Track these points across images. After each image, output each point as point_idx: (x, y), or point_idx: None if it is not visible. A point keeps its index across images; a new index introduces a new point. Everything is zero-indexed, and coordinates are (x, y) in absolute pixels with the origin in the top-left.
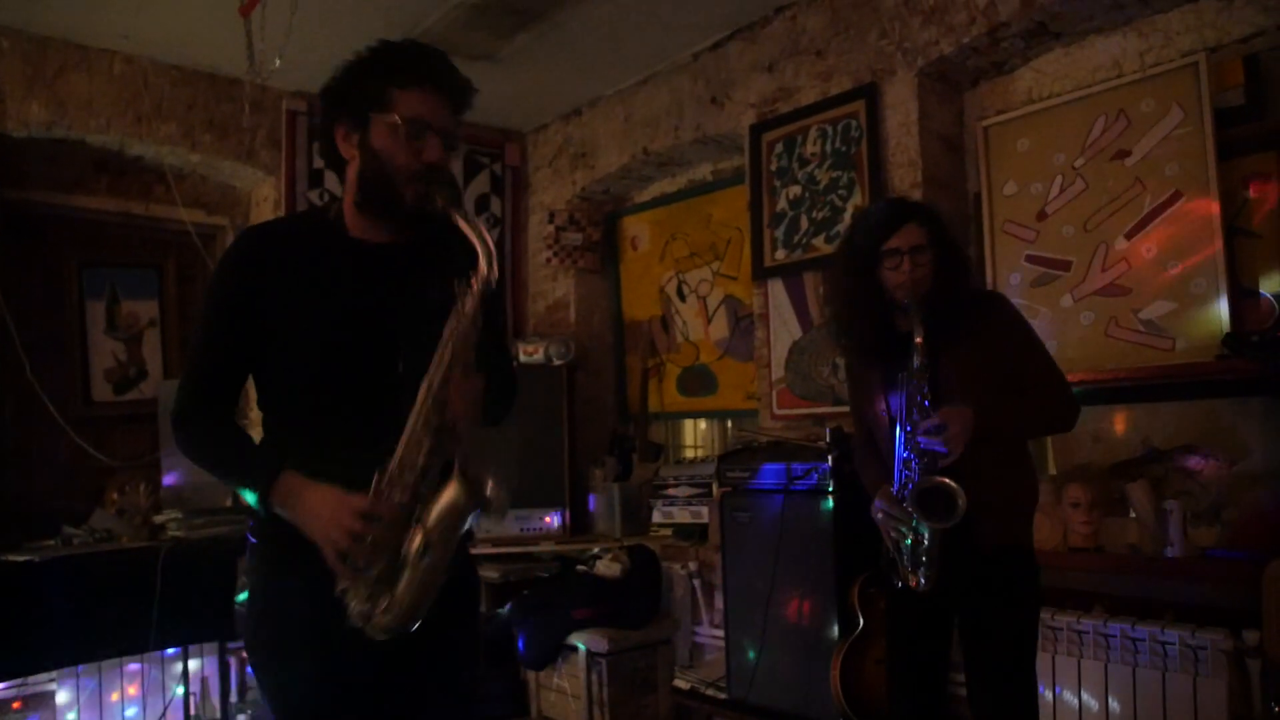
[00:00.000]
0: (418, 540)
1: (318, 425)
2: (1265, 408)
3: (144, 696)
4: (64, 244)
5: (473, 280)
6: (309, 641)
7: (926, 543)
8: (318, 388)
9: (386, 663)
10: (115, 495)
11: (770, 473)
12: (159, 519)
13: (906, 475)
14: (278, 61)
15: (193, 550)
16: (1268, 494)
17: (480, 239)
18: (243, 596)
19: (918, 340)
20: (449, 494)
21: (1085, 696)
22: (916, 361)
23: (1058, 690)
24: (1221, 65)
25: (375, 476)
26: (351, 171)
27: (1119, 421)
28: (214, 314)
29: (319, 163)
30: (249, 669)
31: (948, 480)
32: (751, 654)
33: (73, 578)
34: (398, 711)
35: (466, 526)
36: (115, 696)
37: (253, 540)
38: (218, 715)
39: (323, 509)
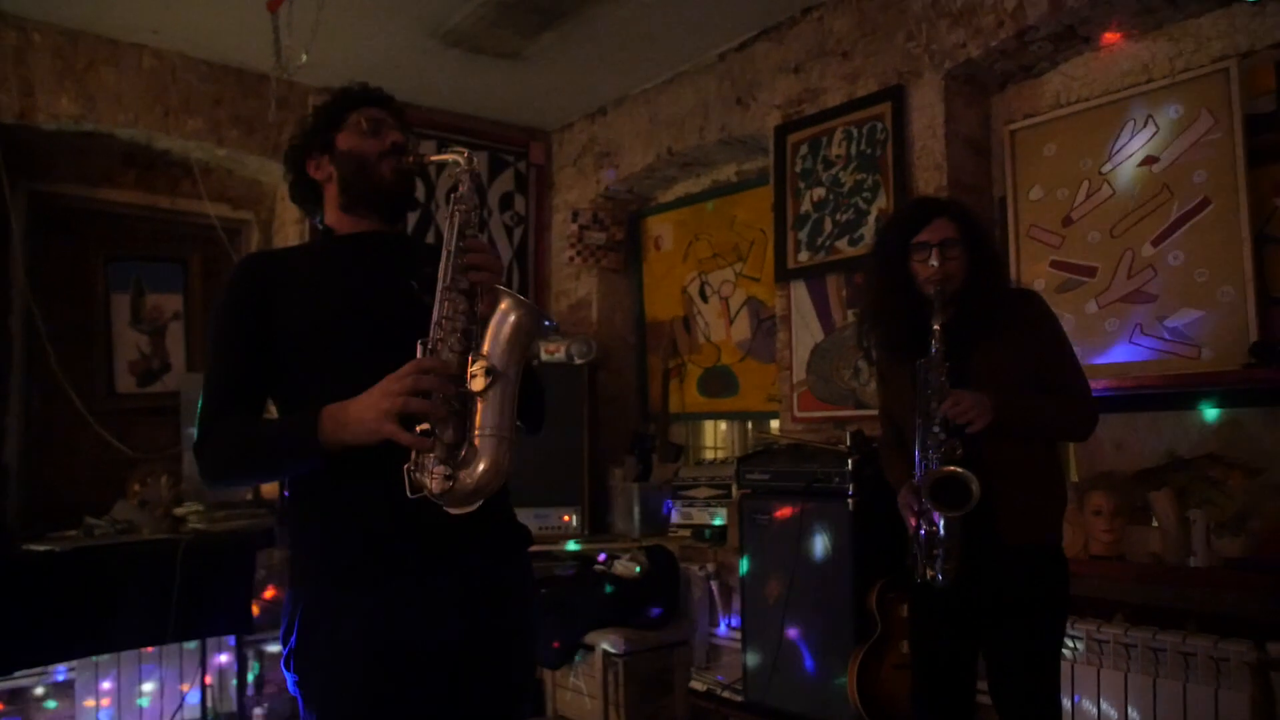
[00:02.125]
0: (478, 368)
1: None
2: None
3: (162, 688)
4: (91, 237)
5: (458, 171)
6: (358, 658)
7: (942, 533)
8: (340, 377)
9: (441, 673)
10: (137, 487)
11: (790, 475)
12: (180, 511)
13: (925, 466)
14: (304, 57)
15: (212, 543)
16: None
17: (453, 150)
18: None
19: (936, 328)
20: (498, 312)
21: (1105, 706)
22: (935, 348)
23: (1076, 699)
24: (1253, 71)
25: (418, 346)
26: (330, 188)
27: (1143, 429)
28: (224, 337)
29: None
30: (287, 675)
31: (959, 469)
32: (769, 657)
33: (93, 569)
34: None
35: (526, 338)
36: (134, 688)
37: (297, 553)
38: (234, 708)
39: (371, 394)
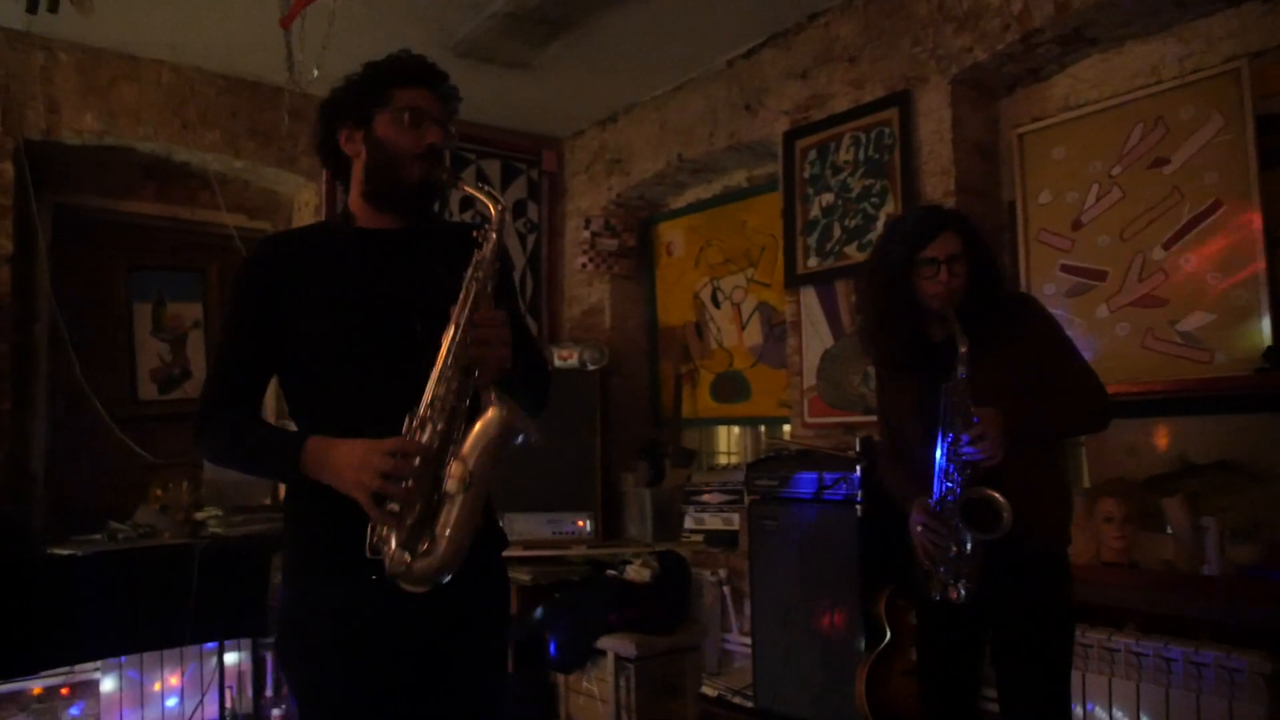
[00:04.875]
0: (455, 472)
1: (346, 411)
2: None
3: (183, 689)
4: (113, 248)
5: (488, 228)
6: (337, 645)
7: (969, 554)
8: (340, 371)
9: (415, 667)
10: (159, 492)
11: (799, 481)
12: (200, 515)
13: (947, 486)
14: (315, 72)
15: (229, 547)
16: None
17: (488, 195)
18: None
19: (962, 350)
20: (485, 419)
21: (1118, 715)
22: (962, 372)
23: (1089, 707)
24: (1265, 71)
25: (406, 420)
26: (357, 167)
27: (1154, 435)
28: (234, 319)
29: None
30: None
31: (994, 492)
32: (778, 663)
33: (113, 572)
34: (424, 716)
35: (505, 450)
36: (156, 688)
37: (287, 543)
38: (252, 710)
39: (352, 456)
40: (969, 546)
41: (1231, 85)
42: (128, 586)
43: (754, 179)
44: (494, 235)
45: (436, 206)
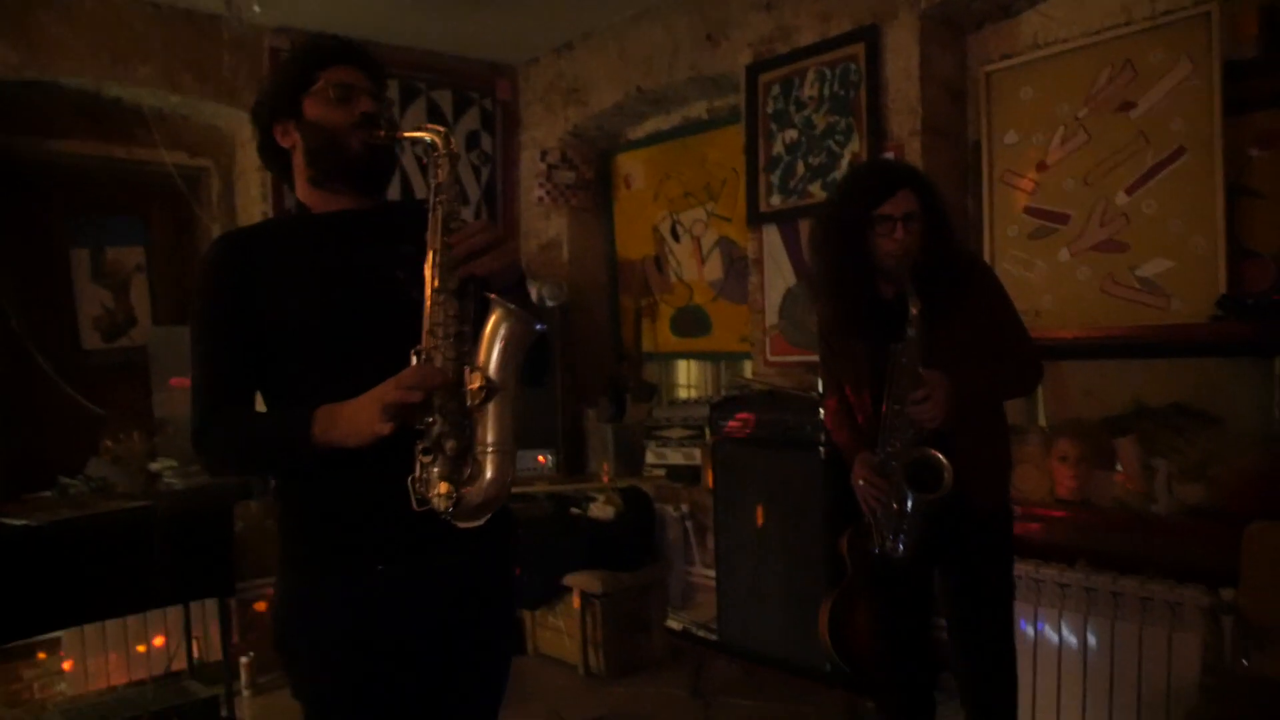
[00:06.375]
0: (475, 382)
1: (344, 391)
2: (1256, 369)
3: (150, 641)
4: (46, 191)
5: (435, 155)
6: (344, 646)
7: (910, 511)
8: (333, 351)
9: (423, 663)
10: (110, 444)
11: (763, 423)
12: (155, 466)
13: (890, 446)
14: (257, 8)
15: (187, 505)
16: (1254, 455)
17: (428, 129)
18: None
19: (914, 312)
20: (489, 326)
21: (1065, 633)
22: (911, 332)
23: (1040, 626)
24: (1236, 15)
25: (411, 355)
26: (297, 157)
27: (1111, 377)
28: (207, 321)
29: None
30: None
31: (937, 453)
32: (742, 600)
33: (71, 540)
34: (432, 709)
35: (520, 351)
36: (122, 642)
37: (283, 537)
38: (220, 657)
39: (364, 398)
40: (910, 504)
41: (1201, 29)
42: (85, 556)
43: (715, 111)
44: (446, 160)
45: (392, 183)
